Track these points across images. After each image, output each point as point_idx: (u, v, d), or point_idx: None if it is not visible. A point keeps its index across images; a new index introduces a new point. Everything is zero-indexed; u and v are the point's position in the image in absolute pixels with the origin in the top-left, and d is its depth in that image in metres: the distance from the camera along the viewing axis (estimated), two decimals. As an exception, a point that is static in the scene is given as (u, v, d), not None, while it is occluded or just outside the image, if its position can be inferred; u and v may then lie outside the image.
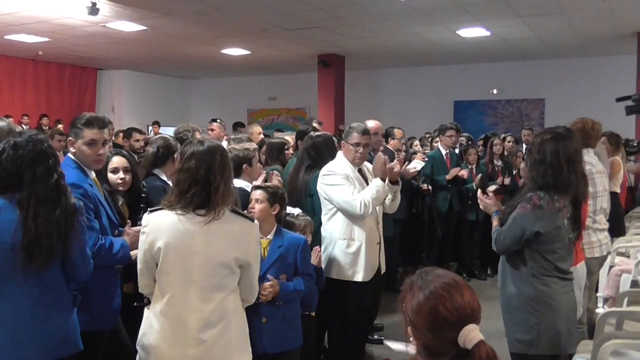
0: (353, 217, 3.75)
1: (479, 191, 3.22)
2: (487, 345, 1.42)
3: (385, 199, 3.89)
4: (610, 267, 4.59)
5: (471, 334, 1.43)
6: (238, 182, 3.63)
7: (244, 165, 3.67)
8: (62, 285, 2.43)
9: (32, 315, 2.33)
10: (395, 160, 3.80)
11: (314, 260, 3.43)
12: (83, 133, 2.80)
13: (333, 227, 3.82)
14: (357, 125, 3.87)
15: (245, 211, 3.27)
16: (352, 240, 3.78)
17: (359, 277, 3.78)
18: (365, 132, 3.85)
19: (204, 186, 2.32)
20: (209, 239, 2.33)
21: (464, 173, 6.53)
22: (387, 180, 3.74)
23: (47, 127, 12.16)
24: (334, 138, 5.51)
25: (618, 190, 5.77)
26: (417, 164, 5.57)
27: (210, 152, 2.37)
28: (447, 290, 1.49)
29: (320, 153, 4.19)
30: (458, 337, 1.44)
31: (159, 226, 2.36)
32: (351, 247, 3.77)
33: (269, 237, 3.18)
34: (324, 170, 3.85)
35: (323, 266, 3.76)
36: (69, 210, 2.33)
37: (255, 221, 2.49)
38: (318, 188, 3.87)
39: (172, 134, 4.98)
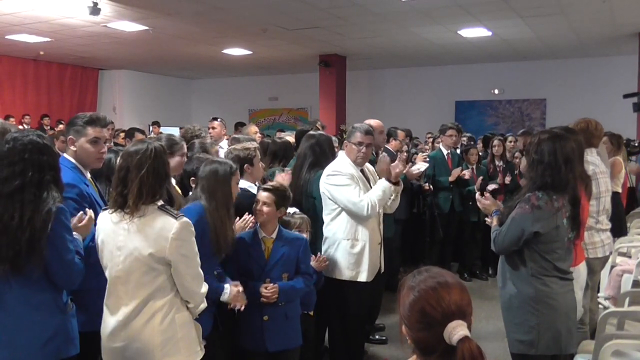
0: (357, 218, 3.75)
1: (477, 193, 3.23)
2: (472, 342, 1.43)
3: (389, 200, 3.90)
4: (612, 267, 4.59)
5: (455, 330, 1.44)
6: (241, 183, 3.63)
7: (246, 166, 3.64)
8: (51, 287, 2.38)
9: (16, 315, 2.31)
10: (397, 161, 3.78)
11: (314, 264, 3.44)
12: (86, 131, 2.81)
13: (336, 227, 3.81)
14: (359, 125, 3.88)
15: (248, 212, 3.30)
16: (356, 241, 3.77)
17: (362, 278, 3.79)
18: (368, 132, 3.85)
19: (124, 185, 2.43)
20: (130, 236, 2.43)
21: (465, 173, 6.52)
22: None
23: (49, 127, 12.17)
24: (334, 139, 5.51)
25: (619, 190, 5.77)
26: (421, 166, 5.56)
27: (133, 152, 2.46)
28: (435, 288, 1.51)
29: (323, 151, 4.18)
30: (443, 333, 1.45)
31: (99, 225, 2.55)
32: (355, 247, 3.77)
33: (272, 236, 3.21)
34: (329, 170, 3.83)
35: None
36: (33, 220, 2.25)
37: (184, 219, 2.45)
38: (322, 188, 3.85)
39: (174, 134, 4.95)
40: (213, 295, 2.79)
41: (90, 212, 2.61)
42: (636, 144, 8.20)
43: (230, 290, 2.90)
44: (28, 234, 2.25)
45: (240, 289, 2.95)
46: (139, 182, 2.40)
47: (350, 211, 3.73)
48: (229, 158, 3.66)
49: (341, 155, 3.96)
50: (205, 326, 2.80)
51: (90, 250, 2.57)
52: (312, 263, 3.44)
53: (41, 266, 2.30)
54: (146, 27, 9.77)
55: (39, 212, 2.27)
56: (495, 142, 7.02)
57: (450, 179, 6.46)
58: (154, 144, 2.51)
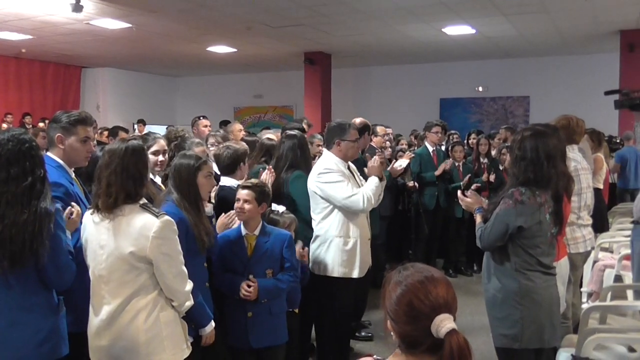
0: (350, 214, 3.78)
1: (459, 191, 3.25)
2: (460, 334, 1.45)
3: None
4: (594, 262, 4.65)
5: (443, 323, 1.46)
6: (228, 181, 3.63)
7: (241, 164, 3.68)
8: (44, 289, 2.37)
9: (9, 318, 2.30)
10: (375, 157, 3.89)
11: (298, 256, 3.44)
12: (77, 130, 2.79)
13: (328, 225, 3.82)
14: (350, 123, 4.00)
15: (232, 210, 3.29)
16: (349, 238, 3.80)
17: (355, 274, 3.83)
18: (357, 127, 4.06)
19: (100, 185, 2.46)
20: (111, 234, 2.44)
21: (447, 163, 6.57)
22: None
23: (31, 126, 12.01)
24: (319, 137, 5.52)
25: (601, 186, 5.85)
26: (402, 162, 5.62)
27: (106, 151, 2.50)
28: (421, 282, 1.53)
29: (303, 152, 4.20)
30: (431, 327, 1.47)
31: (84, 223, 2.57)
32: (348, 244, 3.80)
33: (255, 233, 3.21)
34: (319, 168, 3.85)
35: (311, 265, 3.77)
36: (39, 214, 2.26)
37: (165, 217, 2.45)
38: (312, 187, 3.85)
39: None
40: (198, 320, 2.76)
41: (77, 208, 2.60)
42: (617, 140, 8.31)
43: (211, 330, 2.83)
44: (30, 233, 2.24)
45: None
46: (107, 181, 2.42)
47: (346, 207, 3.75)
48: (227, 154, 3.68)
49: (326, 154, 3.96)
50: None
51: (77, 251, 2.56)
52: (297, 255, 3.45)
53: (38, 266, 2.29)
54: (129, 25, 9.68)
55: (41, 210, 2.27)
56: (482, 140, 7.11)
57: (437, 172, 6.51)
58: (128, 143, 2.51)
